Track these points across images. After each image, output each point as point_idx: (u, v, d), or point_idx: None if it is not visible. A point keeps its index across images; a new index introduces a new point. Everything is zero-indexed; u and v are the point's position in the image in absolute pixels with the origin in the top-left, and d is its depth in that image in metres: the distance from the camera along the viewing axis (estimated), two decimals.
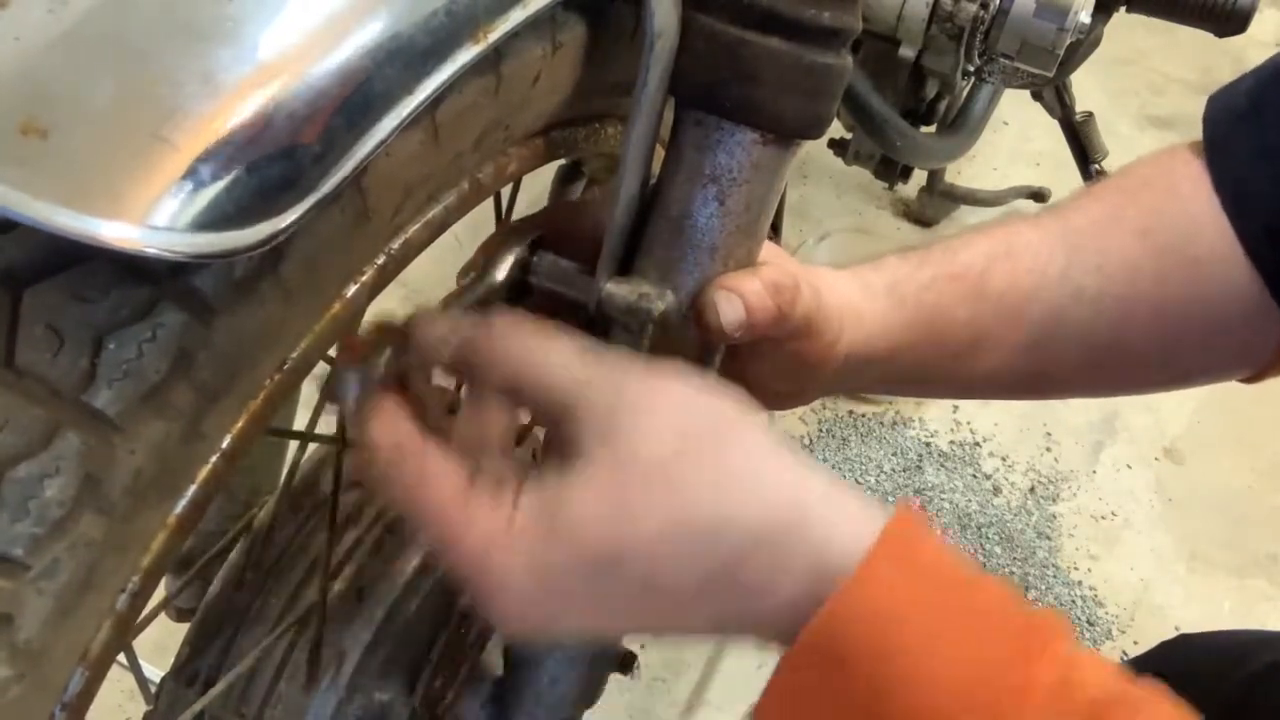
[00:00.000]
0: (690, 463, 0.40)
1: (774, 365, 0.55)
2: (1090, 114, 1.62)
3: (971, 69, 1.24)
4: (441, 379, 0.48)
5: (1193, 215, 0.63)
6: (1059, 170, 1.81)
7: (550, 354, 0.43)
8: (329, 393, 0.44)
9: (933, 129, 1.55)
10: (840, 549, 0.40)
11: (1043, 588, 1.47)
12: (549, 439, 0.45)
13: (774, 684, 0.41)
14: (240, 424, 0.42)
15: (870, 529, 0.41)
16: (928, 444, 1.60)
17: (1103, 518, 1.59)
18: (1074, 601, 1.47)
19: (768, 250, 0.52)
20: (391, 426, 0.43)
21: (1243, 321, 0.63)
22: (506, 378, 0.43)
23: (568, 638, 0.43)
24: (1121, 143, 1.98)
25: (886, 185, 1.69)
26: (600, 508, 0.40)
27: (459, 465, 0.42)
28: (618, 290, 0.48)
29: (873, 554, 0.40)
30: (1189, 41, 1.64)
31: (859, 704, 0.40)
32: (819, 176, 1.95)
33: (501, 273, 0.49)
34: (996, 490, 1.58)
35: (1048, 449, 1.65)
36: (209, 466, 0.41)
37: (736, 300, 0.48)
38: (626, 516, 0.40)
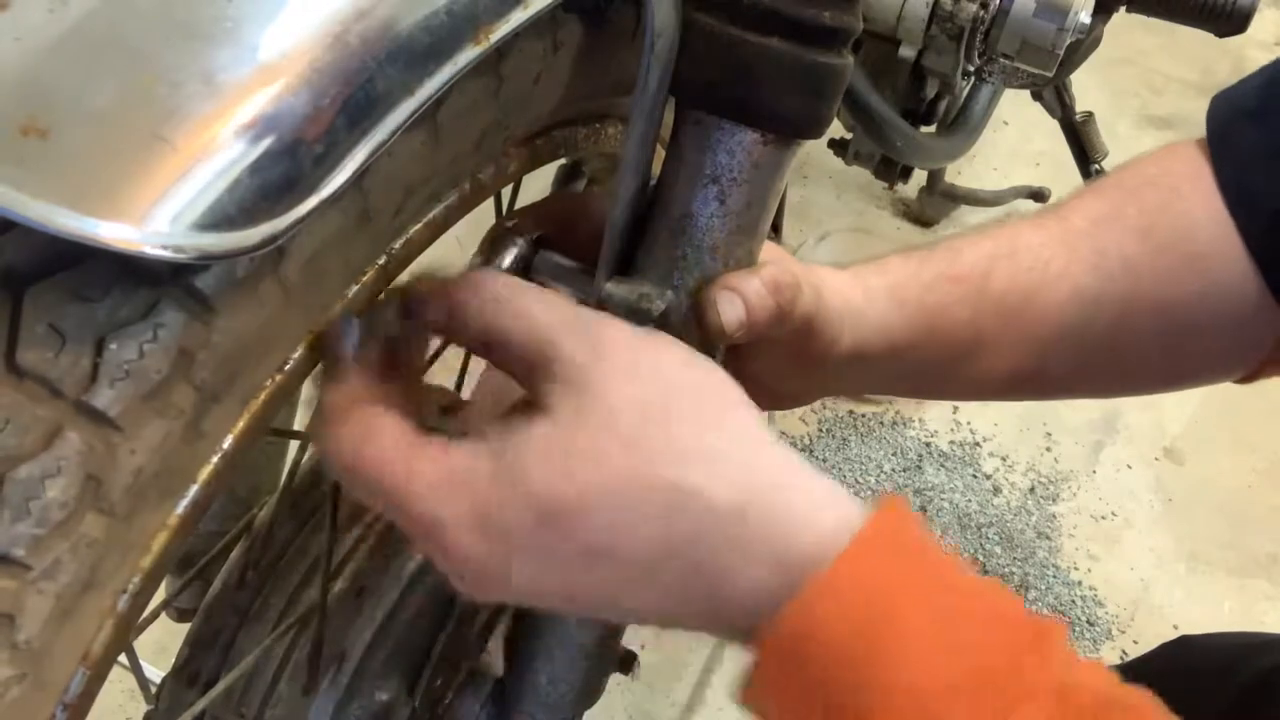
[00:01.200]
0: (660, 427, 0.38)
1: (775, 365, 0.55)
2: (1090, 114, 1.62)
3: (971, 69, 1.24)
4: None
5: (1193, 213, 0.62)
6: (1059, 170, 1.81)
7: (532, 299, 0.41)
8: (327, 341, 0.43)
9: (933, 129, 1.55)
10: (813, 540, 0.38)
11: (1043, 588, 1.47)
12: (518, 402, 0.43)
13: (752, 679, 0.40)
14: (241, 424, 0.42)
15: (851, 521, 0.39)
16: (928, 444, 1.60)
17: (1103, 518, 1.59)
18: (1074, 601, 1.47)
19: (768, 250, 0.52)
20: (348, 385, 0.41)
21: (1240, 320, 0.63)
22: (488, 324, 0.41)
23: (527, 601, 0.41)
24: (1121, 143, 1.98)
25: (886, 185, 1.70)
26: (552, 453, 0.38)
27: (402, 423, 0.40)
28: (618, 290, 0.48)
29: (854, 548, 0.38)
30: (1189, 41, 1.64)
31: (837, 701, 0.38)
32: (819, 176, 1.95)
33: (505, 266, 0.50)
34: (996, 490, 1.58)
35: (1048, 449, 1.65)
36: (210, 467, 0.41)
37: (737, 299, 0.48)
38: (579, 466, 0.37)
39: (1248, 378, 0.68)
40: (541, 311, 0.41)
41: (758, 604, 0.39)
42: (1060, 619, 0.41)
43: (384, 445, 0.39)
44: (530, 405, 0.41)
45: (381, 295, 0.46)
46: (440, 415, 0.69)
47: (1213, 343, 0.65)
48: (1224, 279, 0.62)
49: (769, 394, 0.60)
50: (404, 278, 0.47)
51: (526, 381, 0.42)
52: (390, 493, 0.39)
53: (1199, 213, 0.62)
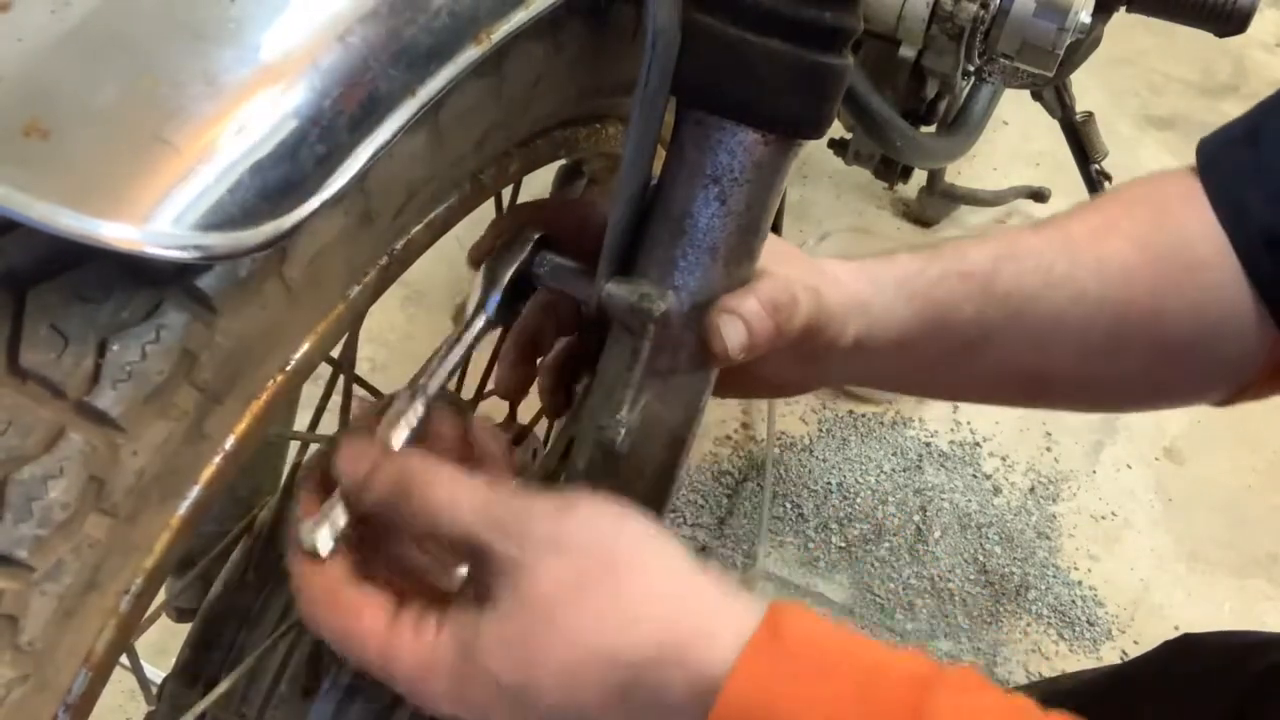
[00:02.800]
0: (577, 605, 0.44)
1: (778, 360, 0.56)
2: (1090, 114, 1.62)
3: (971, 69, 1.24)
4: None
5: (1187, 228, 0.63)
6: (1059, 170, 1.81)
7: (461, 507, 0.46)
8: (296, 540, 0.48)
9: (933, 129, 1.55)
10: (718, 662, 0.43)
11: (1043, 588, 1.47)
12: (470, 570, 0.49)
13: None
14: (243, 425, 0.42)
15: (741, 636, 0.44)
16: (928, 444, 1.60)
17: (1103, 518, 1.59)
18: (1074, 601, 1.47)
19: (772, 247, 0.52)
20: (315, 586, 0.47)
21: (1231, 334, 0.64)
22: (424, 527, 0.47)
23: None
24: (1121, 143, 1.98)
25: (886, 185, 1.70)
26: (506, 649, 0.45)
27: (381, 604, 0.47)
28: (619, 290, 0.48)
29: (739, 663, 0.43)
30: (1189, 41, 1.64)
31: None
32: (819, 176, 1.95)
33: (509, 272, 0.50)
34: (996, 490, 1.58)
35: (1048, 449, 1.65)
36: (212, 467, 0.41)
37: (739, 322, 0.50)
38: (528, 657, 0.44)
39: (1231, 399, 0.68)
40: (476, 513, 0.46)
41: None
42: (962, 666, 0.44)
43: (364, 630, 0.46)
44: (476, 578, 0.47)
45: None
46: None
47: (1205, 356, 0.65)
48: (1219, 291, 0.62)
49: (773, 384, 0.60)
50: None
51: (466, 559, 0.48)
52: (375, 669, 0.46)
53: (1193, 226, 0.63)
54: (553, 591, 0.45)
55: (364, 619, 0.46)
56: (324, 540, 0.47)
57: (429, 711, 0.47)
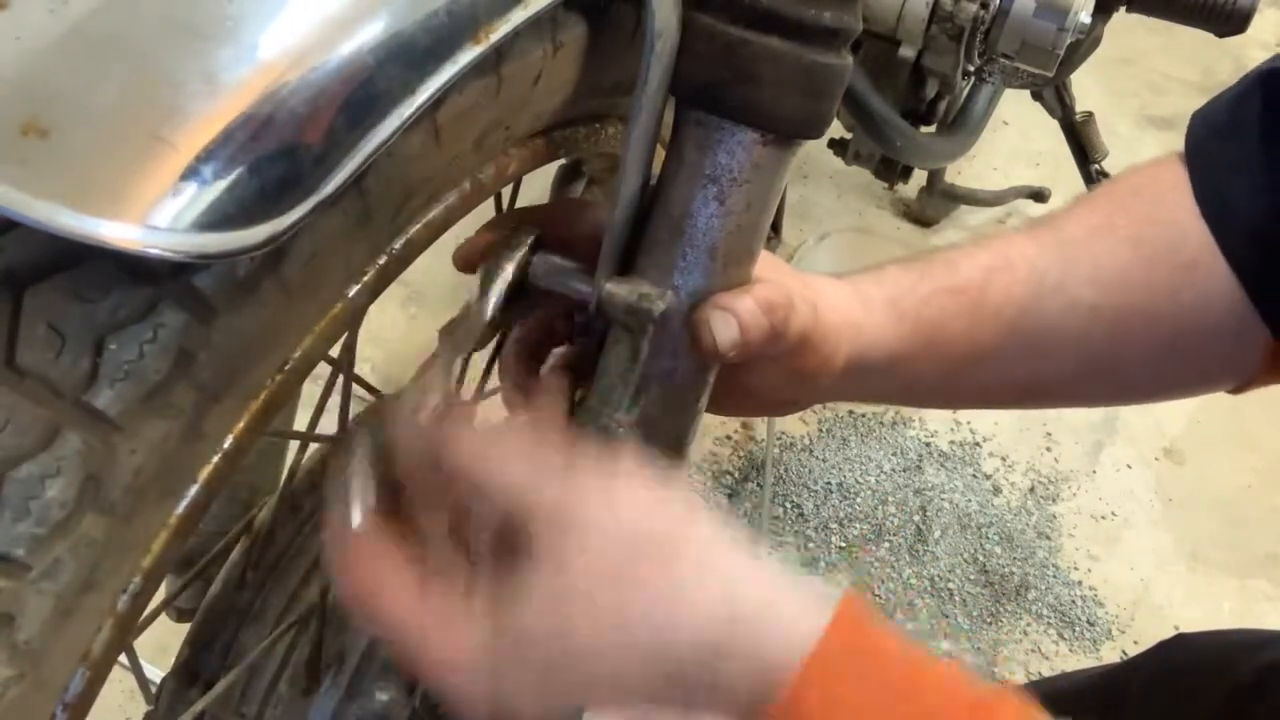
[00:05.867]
0: (631, 583, 0.42)
1: (773, 376, 0.56)
2: (1090, 114, 1.62)
3: (971, 69, 1.25)
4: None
5: (1180, 223, 0.63)
6: (1059, 170, 1.81)
7: (506, 466, 0.44)
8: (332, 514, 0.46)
9: (933, 129, 1.55)
10: (780, 654, 0.41)
11: (1043, 588, 1.47)
12: (503, 531, 0.46)
13: None
14: (241, 424, 0.42)
15: (809, 631, 0.41)
16: (928, 444, 1.60)
17: (1103, 518, 1.59)
18: (1074, 601, 1.47)
19: (766, 261, 0.52)
20: (345, 532, 0.45)
21: (1230, 330, 0.63)
22: (465, 476, 0.44)
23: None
24: (1121, 143, 1.98)
25: (886, 185, 1.70)
26: (545, 612, 0.42)
27: (411, 572, 0.44)
28: (618, 290, 0.48)
29: (810, 662, 0.40)
30: (1189, 41, 1.64)
31: None
32: (819, 176, 1.95)
33: (508, 274, 0.50)
34: (996, 490, 1.58)
35: (1048, 449, 1.65)
36: (210, 466, 0.41)
37: (731, 319, 0.48)
38: (569, 623, 0.41)
39: (1241, 387, 0.68)
40: (519, 470, 0.43)
41: (740, 715, 0.42)
42: (1013, 688, 0.43)
43: (395, 600, 0.43)
44: (514, 542, 0.44)
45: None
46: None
47: (1205, 352, 0.65)
48: (1213, 289, 0.62)
49: (767, 402, 0.60)
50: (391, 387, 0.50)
51: (506, 519, 0.45)
52: (404, 643, 0.43)
53: (1185, 222, 0.63)
54: (598, 569, 0.42)
55: (396, 592, 0.43)
56: (361, 494, 0.45)
57: (453, 696, 0.44)
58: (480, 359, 0.64)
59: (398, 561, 0.44)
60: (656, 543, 0.43)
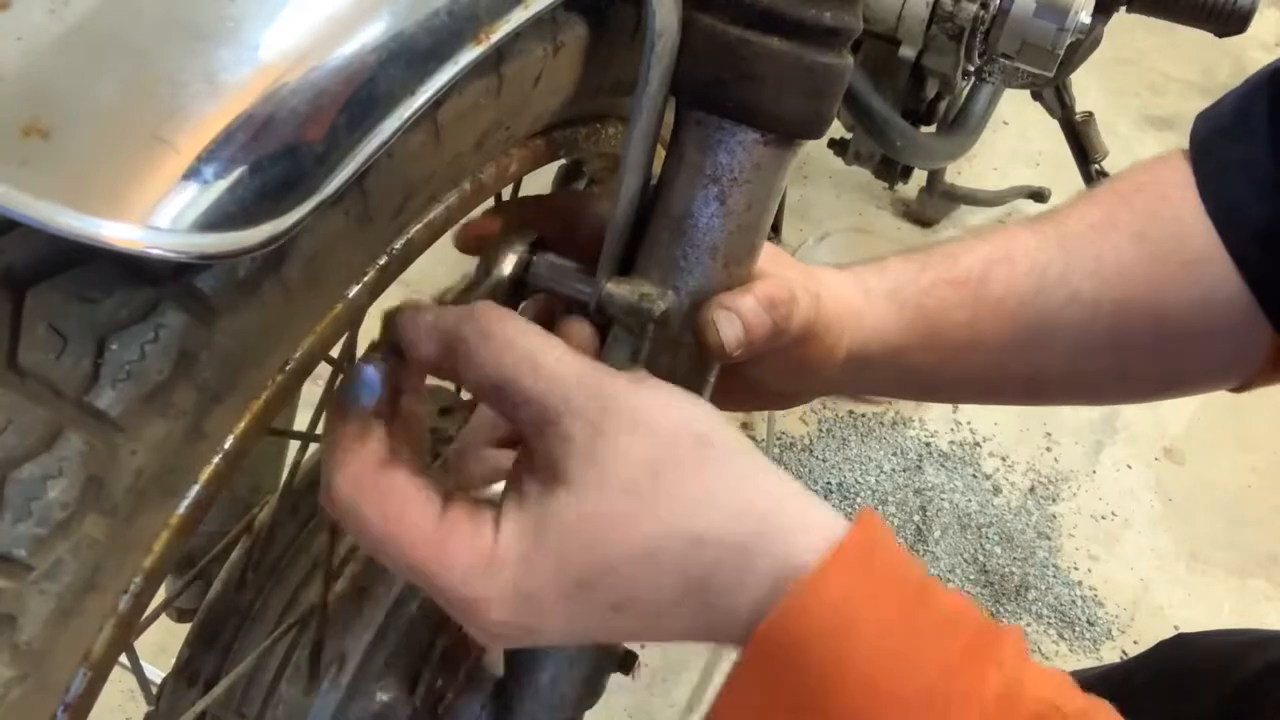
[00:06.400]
0: (666, 485, 0.41)
1: (775, 368, 0.56)
2: (1090, 114, 1.62)
3: (971, 69, 1.25)
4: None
5: (1184, 220, 0.63)
6: (1059, 170, 1.81)
7: (537, 360, 0.42)
8: (344, 392, 0.43)
9: (933, 129, 1.55)
10: (802, 557, 0.41)
11: (1043, 588, 1.47)
12: (525, 448, 0.44)
13: (730, 681, 0.42)
14: (242, 424, 0.42)
15: (832, 536, 0.42)
16: (928, 444, 1.60)
17: (1103, 518, 1.59)
18: (1074, 601, 1.47)
19: (768, 254, 0.52)
20: (356, 465, 0.42)
21: (1232, 327, 0.63)
22: (489, 379, 0.42)
23: (543, 643, 0.44)
24: (1121, 143, 1.98)
25: (886, 185, 1.70)
26: (583, 532, 0.41)
27: (429, 496, 0.42)
28: (618, 290, 0.48)
29: (830, 559, 0.41)
30: (1189, 41, 1.64)
31: (809, 702, 0.40)
32: (819, 176, 1.96)
33: (506, 270, 0.50)
34: (996, 490, 1.58)
35: (1048, 449, 1.65)
36: (211, 467, 0.41)
37: (735, 319, 0.49)
38: (607, 540, 0.41)
39: (1243, 386, 0.68)
40: (556, 369, 0.42)
41: (756, 619, 0.41)
42: (1016, 626, 0.42)
43: (414, 526, 0.41)
44: (540, 457, 0.42)
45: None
46: (440, 415, 0.69)
47: (1208, 350, 0.65)
48: (1217, 287, 0.62)
49: (770, 394, 0.60)
50: (402, 299, 0.47)
51: (529, 430, 0.43)
52: (424, 574, 0.41)
53: (1189, 220, 0.63)
54: (637, 468, 0.41)
55: (411, 512, 0.41)
56: (370, 383, 0.42)
57: (473, 627, 0.42)
58: None
59: (416, 482, 0.42)
60: (689, 444, 0.42)
